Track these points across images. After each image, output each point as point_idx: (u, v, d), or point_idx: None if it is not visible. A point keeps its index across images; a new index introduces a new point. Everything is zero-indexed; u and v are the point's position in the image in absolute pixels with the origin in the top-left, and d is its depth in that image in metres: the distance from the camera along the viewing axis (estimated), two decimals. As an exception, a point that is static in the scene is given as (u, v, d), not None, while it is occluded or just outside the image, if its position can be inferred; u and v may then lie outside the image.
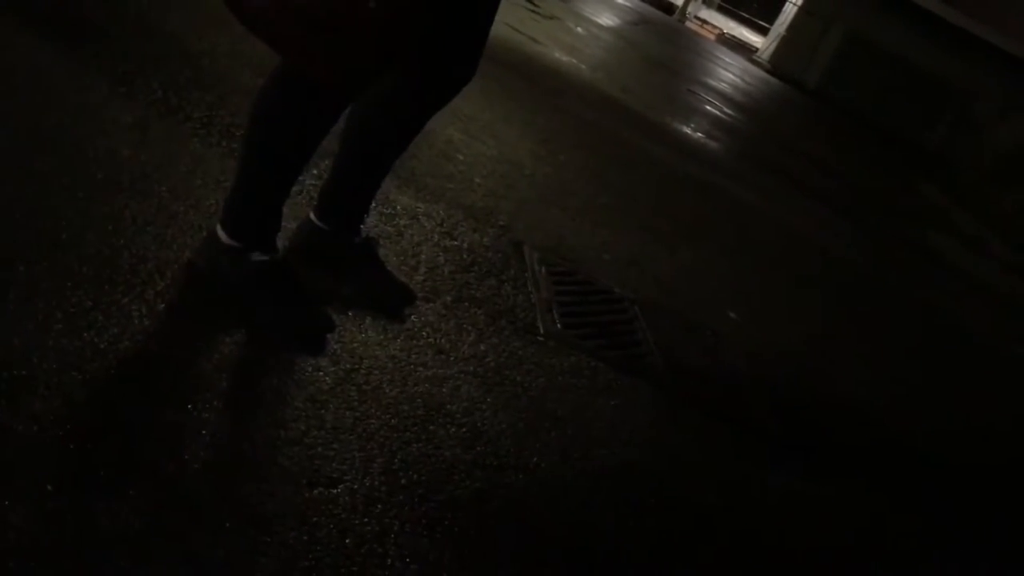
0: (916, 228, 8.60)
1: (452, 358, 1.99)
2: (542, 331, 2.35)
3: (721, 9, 22.12)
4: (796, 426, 2.72)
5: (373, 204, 2.43)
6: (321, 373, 1.71)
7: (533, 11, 8.18)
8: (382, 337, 1.92)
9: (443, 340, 2.04)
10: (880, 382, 3.54)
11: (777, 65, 18.79)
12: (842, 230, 6.40)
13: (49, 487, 1.21)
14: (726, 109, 8.81)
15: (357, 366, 1.78)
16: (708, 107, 8.34)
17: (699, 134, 6.77)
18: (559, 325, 2.44)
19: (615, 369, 2.37)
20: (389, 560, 1.39)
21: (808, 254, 5.17)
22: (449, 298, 2.24)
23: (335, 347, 1.80)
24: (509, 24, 6.63)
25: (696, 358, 2.75)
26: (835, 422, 2.91)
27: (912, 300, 5.47)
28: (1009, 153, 13.50)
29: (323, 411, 1.62)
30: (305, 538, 1.35)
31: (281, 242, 1.86)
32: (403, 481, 1.56)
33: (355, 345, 1.85)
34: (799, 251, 5.13)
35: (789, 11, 19.94)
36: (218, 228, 1.77)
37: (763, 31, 20.70)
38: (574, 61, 6.85)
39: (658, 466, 2.07)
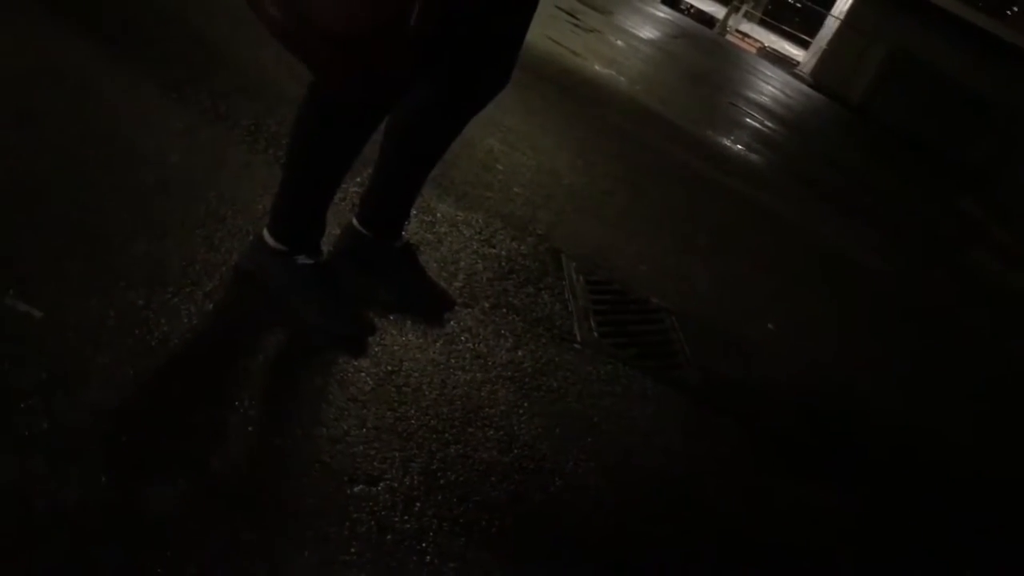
0: (956, 245, 8.50)
1: (490, 363, 2.02)
2: (579, 339, 2.37)
3: (763, 23, 22.06)
4: (828, 438, 2.71)
5: (414, 211, 2.48)
6: (363, 374, 1.75)
7: (574, 24, 8.22)
8: (422, 341, 1.96)
9: (481, 345, 2.07)
10: (915, 398, 3.51)
11: (819, 79, 18.67)
12: (880, 245, 6.35)
13: (102, 477, 1.26)
14: (766, 122, 8.78)
15: (397, 368, 1.82)
16: (748, 120, 8.33)
17: (739, 147, 6.77)
18: (595, 333, 2.46)
19: (650, 378, 2.38)
20: (428, 558, 1.42)
21: (846, 268, 5.14)
22: (487, 304, 2.27)
23: (376, 349, 1.84)
24: (550, 37, 6.68)
25: (731, 368, 2.76)
26: (867, 435, 2.90)
27: (950, 316, 5.41)
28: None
29: (364, 411, 1.65)
30: (345, 534, 1.38)
31: (325, 246, 1.90)
32: (442, 481, 1.59)
33: (396, 348, 1.88)
34: (837, 265, 5.10)
35: (831, 25, 19.84)
36: (265, 232, 1.82)
37: (805, 45, 20.60)
38: (614, 73, 6.88)
39: (690, 475, 2.08)
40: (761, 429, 2.50)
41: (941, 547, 2.44)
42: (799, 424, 2.67)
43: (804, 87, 16.18)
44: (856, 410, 3.04)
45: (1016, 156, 17.58)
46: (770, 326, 3.32)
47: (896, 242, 6.85)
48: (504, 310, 2.29)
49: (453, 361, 1.96)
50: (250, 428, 1.48)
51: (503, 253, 2.62)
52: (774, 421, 2.60)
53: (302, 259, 1.81)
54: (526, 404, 1.95)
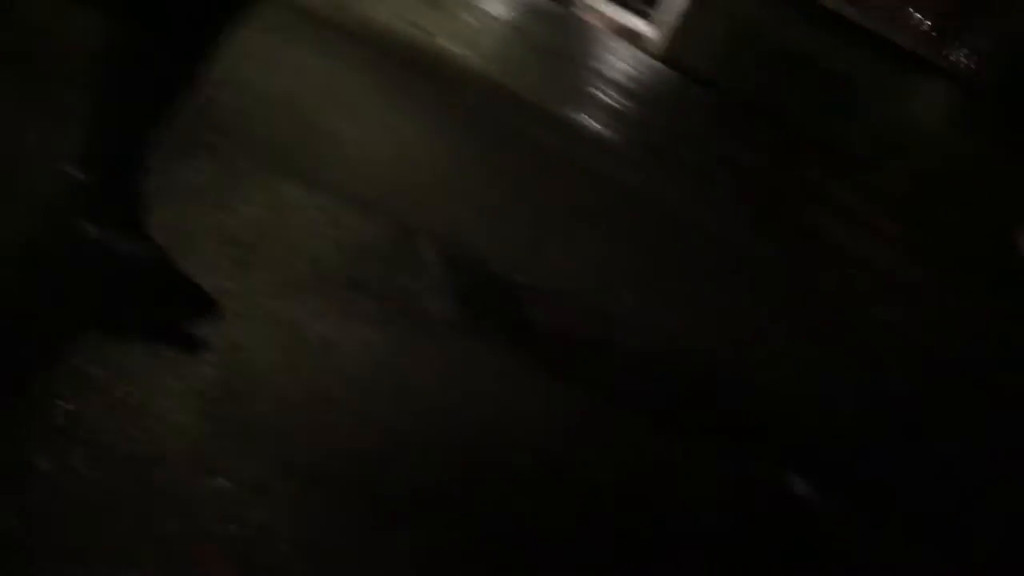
0: (804, 210, 8.90)
1: (342, 348, 1.98)
2: (435, 318, 2.36)
3: (611, -2, 22.36)
4: (689, 402, 2.77)
5: (255, 193, 2.41)
6: (206, 368, 1.68)
7: (425, 2, 8.15)
8: (269, 329, 1.90)
9: (332, 331, 2.02)
10: (769, 357, 3.65)
11: (668, 52, 19.15)
12: (731, 213, 6.58)
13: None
14: (619, 97, 8.95)
15: (241, 359, 1.76)
16: (601, 95, 8.47)
17: (593, 122, 6.87)
18: (452, 311, 2.45)
19: (508, 353, 2.39)
20: (280, 547, 1.38)
21: (698, 237, 5.30)
22: (339, 289, 2.22)
23: (217, 341, 1.77)
24: (398, 15, 6.60)
25: (591, 340, 2.80)
26: (728, 398, 2.98)
27: (803, 280, 5.66)
28: (888, 133, 14.09)
29: (210, 407, 1.59)
30: (192, 529, 1.33)
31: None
32: (293, 469, 1.55)
33: (240, 337, 1.81)
34: (690, 234, 5.25)
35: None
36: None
37: (653, 19, 21.05)
38: (466, 52, 6.85)
39: (554, 448, 2.10)
40: (622, 399, 2.54)
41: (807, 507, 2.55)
42: (658, 391, 2.72)
43: (653, 61, 16.56)
44: (716, 376, 3.13)
45: (855, 121, 18.54)
46: (627, 297, 3.38)
47: (747, 209, 7.12)
48: (356, 293, 2.25)
49: (302, 347, 1.91)
50: (91, 431, 1.39)
51: (354, 235, 2.58)
52: (632, 391, 2.64)
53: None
54: (382, 388, 1.93)
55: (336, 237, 2.49)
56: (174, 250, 1.90)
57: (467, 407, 2.04)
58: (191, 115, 2.71)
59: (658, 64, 16.33)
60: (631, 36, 17.78)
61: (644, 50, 17.17)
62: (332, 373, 1.87)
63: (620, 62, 12.40)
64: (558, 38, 12.19)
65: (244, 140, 2.75)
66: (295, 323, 1.97)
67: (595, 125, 6.81)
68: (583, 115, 6.96)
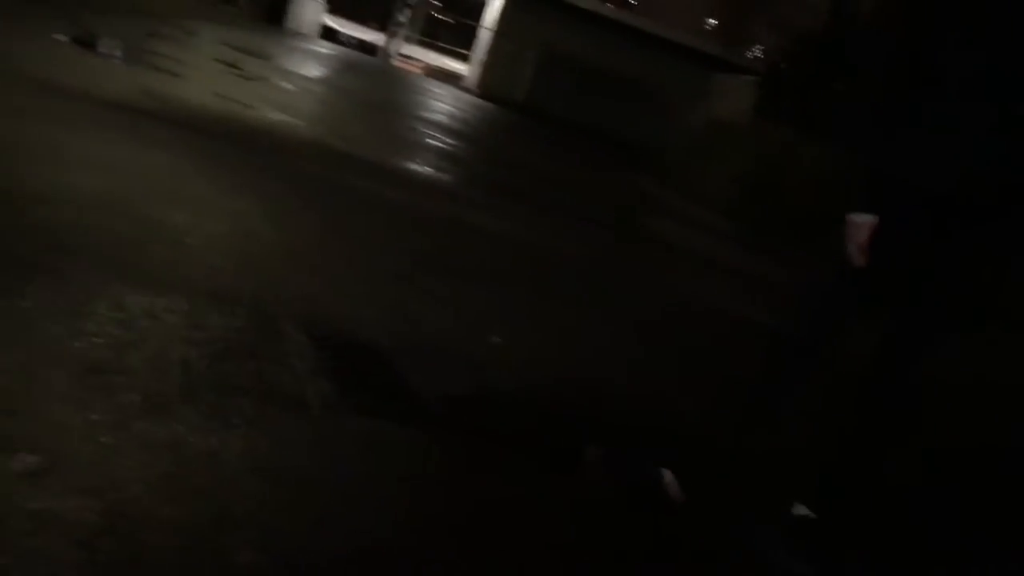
0: (643, 218, 9.19)
1: (226, 458, 1.88)
2: (314, 405, 2.28)
3: (422, 43, 22.71)
4: (573, 433, 2.76)
5: (105, 310, 2.27)
6: (88, 514, 1.56)
7: (238, 75, 7.98)
8: (146, 455, 1.78)
9: (213, 440, 1.92)
10: (648, 378, 3.70)
11: (485, 88, 19.54)
12: (576, 235, 6.72)
13: None
14: (448, 139, 9.03)
15: (123, 489, 1.64)
16: (430, 140, 8.52)
17: (427, 168, 6.90)
18: (330, 394, 2.38)
19: (394, 425, 2.33)
20: None
21: (552, 264, 5.38)
22: (210, 394, 2.12)
23: (95, 481, 1.65)
24: (217, 93, 6.44)
25: (467, 390, 2.77)
26: (615, 426, 3.00)
27: (661, 288, 5.82)
28: (700, 134, 14.77)
29: (90, 554, 1.47)
30: None
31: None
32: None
33: (113, 467, 1.70)
34: (544, 264, 5.32)
35: (485, 37, 20.80)
36: None
37: (465, 59, 21.45)
38: (290, 119, 6.76)
39: (462, 509, 2.06)
40: (505, 441, 2.50)
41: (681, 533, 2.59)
42: (538, 427, 2.69)
43: (473, 98, 16.84)
44: (597, 403, 3.14)
45: (670, 127, 19.40)
46: (495, 339, 3.38)
47: (591, 229, 7.28)
48: (229, 395, 2.15)
49: (187, 467, 1.80)
50: None
51: (216, 333, 2.46)
52: (517, 430, 2.61)
53: None
54: (276, 493, 1.83)
55: (197, 339, 2.38)
56: (28, 392, 1.77)
57: (366, 494, 1.97)
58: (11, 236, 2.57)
59: (478, 100, 16.62)
60: (449, 77, 18.01)
61: (463, 88, 17.43)
62: (223, 489, 1.78)
63: (443, 104, 12.52)
64: (381, 91, 12.20)
65: (77, 254, 2.60)
66: (174, 442, 1.86)
67: (432, 171, 6.83)
68: (419, 163, 6.98)
